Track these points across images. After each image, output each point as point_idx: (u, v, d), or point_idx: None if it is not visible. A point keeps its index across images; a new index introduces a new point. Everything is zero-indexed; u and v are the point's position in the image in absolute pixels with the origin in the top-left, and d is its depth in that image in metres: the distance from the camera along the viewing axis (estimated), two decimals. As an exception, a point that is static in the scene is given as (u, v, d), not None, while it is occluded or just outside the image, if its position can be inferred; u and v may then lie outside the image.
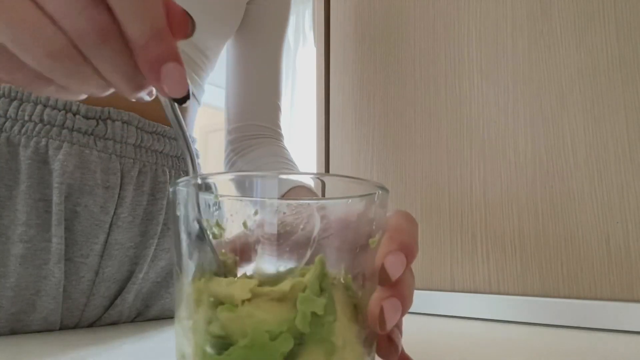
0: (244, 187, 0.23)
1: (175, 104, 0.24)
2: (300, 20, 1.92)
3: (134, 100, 0.25)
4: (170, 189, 0.23)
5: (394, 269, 0.23)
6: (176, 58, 0.22)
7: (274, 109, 0.68)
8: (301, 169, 0.73)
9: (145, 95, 0.24)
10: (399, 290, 0.23)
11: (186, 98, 0.23)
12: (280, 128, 0.69)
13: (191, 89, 0.24)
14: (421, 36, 0.74)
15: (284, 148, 0.67)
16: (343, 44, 0.87)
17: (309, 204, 0.24)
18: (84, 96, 0.24)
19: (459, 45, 0.70)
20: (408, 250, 0.23)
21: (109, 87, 0.24)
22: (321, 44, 0.90)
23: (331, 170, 0.85)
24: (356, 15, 0.85)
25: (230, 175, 0.23)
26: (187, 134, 0.25)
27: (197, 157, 0.65)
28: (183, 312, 0.22)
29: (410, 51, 0.75)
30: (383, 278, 0.23)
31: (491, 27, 0.67)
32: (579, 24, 0.59)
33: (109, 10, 0.21)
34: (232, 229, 0.22)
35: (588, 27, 0.58)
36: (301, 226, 0.22)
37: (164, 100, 0.24)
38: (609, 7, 0.57)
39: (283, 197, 0.45)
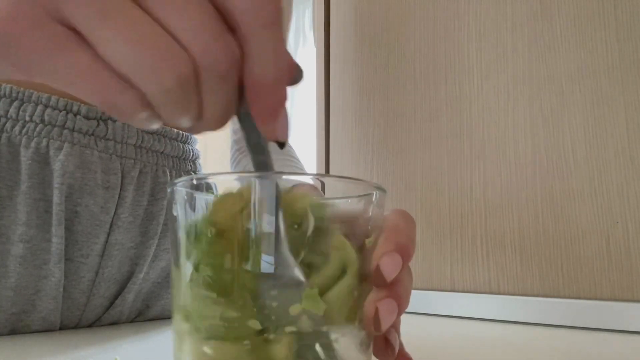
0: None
1: (267, 146, 0.23)
2: (300, 20, 1.92)
3: (195, 134, 0.23)
4: (168, 189, 0.23)
5: (389, 270, 0.22)
6: (286, 103, 0.22)
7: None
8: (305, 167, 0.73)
9: (205, 132, 0.23)
10: (395, 291, 0.23)
11: (286, 142, 0.22)
12: None
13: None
14: (421, 36, 0.74)
15: (289, 145, 0.68)
16: (343, 44, 0.87)
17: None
18: (156, 127, 0.22)
19: (459, 45, 0.70)
20: (404, 251, 0.23)
21: (195, 121, 0.22)
22: (321, 44, 0.90)
23: (331, 171, 0.85)
24: (356, 15, 0.85)
25: (230, 176, 0.23)
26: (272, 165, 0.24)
27: (199, 158, 0.65)
28: (180, 311, 0.22)
29: (410, 51, 0.75)
30: (378, 279, 0.22)
31: (491, 27, 0.67)
32: (579, 24, 0.59)
33: (239, 42, 0.19)
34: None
35: (588, 27, 0.58)
36: (295, 226, 0.22)
37: (254, 142, 0.23)
38: (609, 7, 0.57)
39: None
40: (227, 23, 0.19)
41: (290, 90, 0.23)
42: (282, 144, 0.22)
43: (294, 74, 0.23)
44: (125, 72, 0.18)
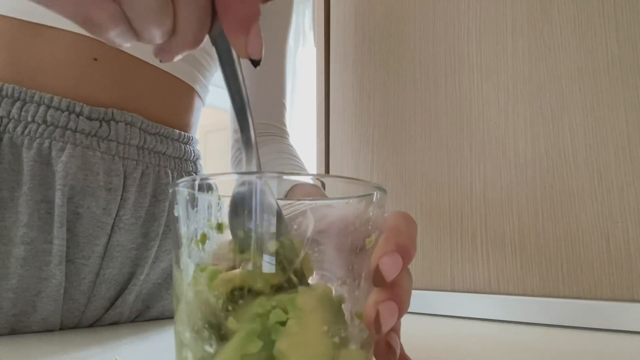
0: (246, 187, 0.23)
1: (240, 70, 0.23)
2: (300, 20, 1.92)
3: (161, 60, 0.23)
4: (170, 190, 0.23)
5: (389, 271, 0.22)
6: (258, 19, 0.21)
7: (279, 107, 0.69)
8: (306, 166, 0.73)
9: (178, 56, 0.23)
10: (396, 293, 0.22)
11: (260, 60, 0.22)
12: (285, 126, 0.70)
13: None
14: (421, 36, 0.74)
15: (290, 145, 0.68)
16: (343, 44, 0.87)
17: (305, 204, 0.24)
18: (128, 44, 0.22)
19: (459, 45, 0.70)
20: (404, 251, 0.23)
21: (172, 34, 0.22)
22: (321, 44, 0.90)
23: (331, 171, 0.85)
24: (356, 15, 0.85)
25: (231, 176, 0.23)
26: (247, 97, 0.24)
27: (200, 159, 0.65)
28: (182, 311, 0.22)
29: (410, 51, 0.75)
30: (378, 279, 0.22)
31: (491, 27, 0.67)
32: (579, 24, 0.59)
33: None
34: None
35: (588, 27, 0.58)
36: (295, 226, 0.22)
37: (225, 59, 0.22)
38: (609, 7, 0.57)
39: (287, 194, 0.45)
40: None
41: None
42: (255, 62, 0.22)
43: None
44: None
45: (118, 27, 0.20)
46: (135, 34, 0.21)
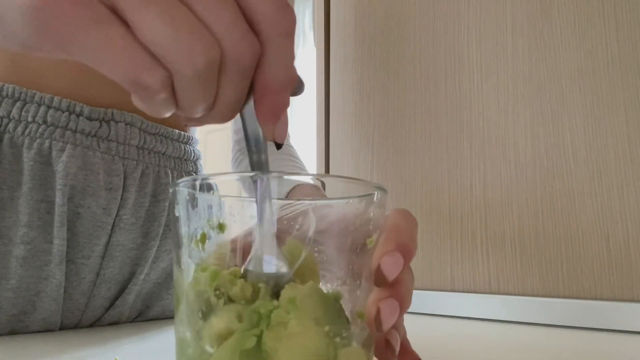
0: (248, 187, 0.23)
1: (265, 145, 0.24)
2: (300, 20, 1.92)
3: (187, 124, 0.24)
4: (170, 190, 0.23)
5: (390, 270, 0.22)
6: (287, 110, 0.23)
7: None
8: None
9: (208, 123, 0.24)
10: (397, 291, 0.22)
11: (283, 144, 0.24)
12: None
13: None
14: (421, 36, 0.74)
15: (290, 146, 0.68)
16: (343, 44, 0.87)
17: (306, 204, 0.24)
18: (166, 115, 0.23)
19: (459, 45, 0.70)
20: (405, 250, 0.23)
21: (206, 112, 0.23)
22: (321, 44, 0.90)
23: (331, 171, 0.85)
24: (356, 15, 0.85)
25: (231, 176, 0.23)
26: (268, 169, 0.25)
27: (200, 159, 0.65)
28: (183, 311, 0.22)
29: (410, 51, 0.75)
30: (379, 279, 0.22)
31: (491, 27, 0.67)
32: (579, 24, 0.59)
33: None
34: (234, 229, 0.22)
35: (588, 27, 0.58)
36: (297, 226, 0.22)
37: (253, 138, 0.24)
38: (609, 7, 0.57)
39: (287, 195, 0.45)
40: (250, 26, 0.21)
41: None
42: (279, 145, 0.24)
43: (296, 85, 0.25)
44: (160, 50, 0.19)
45: (164, 94, 0.21)
46: (177, 104, 0.22)
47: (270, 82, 0.22)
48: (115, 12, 0.19)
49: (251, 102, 0.23)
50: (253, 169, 0.24)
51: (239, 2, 0.20)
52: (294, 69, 0.23)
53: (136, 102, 0.21)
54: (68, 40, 0.19)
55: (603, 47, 0.57)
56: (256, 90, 0.22)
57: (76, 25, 0.19)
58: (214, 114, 0.23)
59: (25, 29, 0.20)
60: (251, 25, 0.21)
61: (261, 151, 0.24)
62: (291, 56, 0.22)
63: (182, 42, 0.19)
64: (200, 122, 0.24)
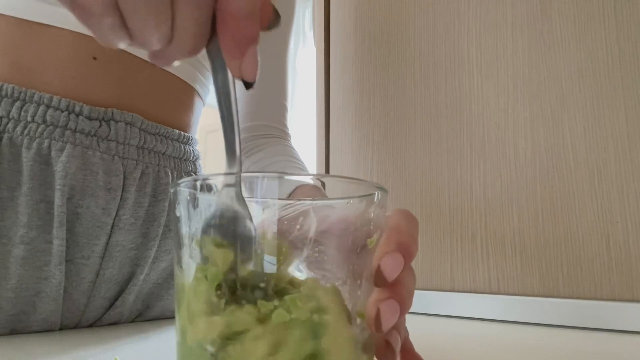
0: (248, 188, 0.23)
1: (233, 88, 0.23)
2: (300, 20, 1.92)
3: (159, 64, 0.23)
4: (171, 190, 0.23)
5: (390, 270, 0.22)
6: (257, 43, 0.21)
7: (281, 109, 0.69)
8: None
9: (176, 62, 0.23)
10: (397, 292, 0.22)
11: (254, 83, 0.22)
12: (287, 128, 0.70)
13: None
14: (421, 36, 0.74)
15: (291, 147, 0.68)
16: (343, 44, 0.87)
17: (307, 204, 0.24)
18: (122, 46, 0.21)
19: (459, 45, 0.70)
20: (406, 251, 0.23)
21: (168, 41, 0.21)
22: (321, 44, 0.90)
23: (331, 170, 0.85)
24: (356, 15, 0.85)
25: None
26: (237, 113, 0.23)
27: (199, 159, 0.65)
28: (183, 310, 0.22)
29: (410, 51, 0.75)
30: (380, 279, 0.22)
31: (491, 27, 0.67)
32: (579, 24, 0.59)
33: None
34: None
35: (588, 27, 0.58)
36: (298, 226, 0.22)
37: (220, 78, 0.22)
38: (609, 7, 0.57)
39: (289, 196, 0.45)
40: None
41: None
42: (248, 85, 0.22)
43: (270, 18, 0.23)
44: None
45: (109, 18, 0.19)
46: (129, 34, 0.20)
47: (231, 10, 0.20)
48: None
49: (213, 41, 0.21)
50: (222, 119, 0.22)
51: None
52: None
53: (85, 23, 0.20)
54: None
55: (603, 47, 0.57)
56: (218, 20, 0.21)
57: None
58: (176, 46, 0.21)
59: None
60: None
61: (229, 95, 0.22)
62: None
63: None
64: (165, 58, 0.22)
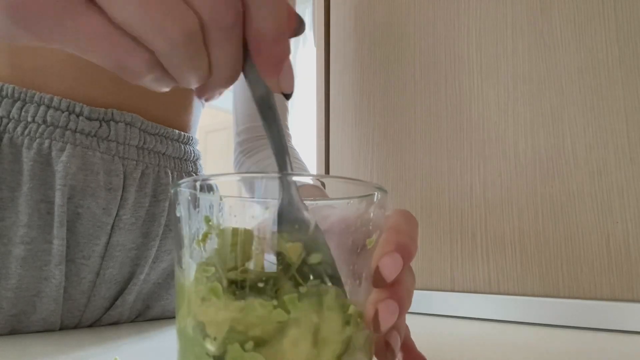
0: (249, 188, 0.23)
1: (274, 100, 0.24)
2: (300, 20, 1.91)
3: (203, 99, 0.24)
4: (172, 190, 0.23)
5: (389, 271, 0.22)
6: (289, 56, 0.23)
7: (282, 110, 0.69)
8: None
9: (217, 95, 0.24)
10: (396, 292, 0.22)
11: (292, 93, 0.23)
12: (288, 128, 0.70)
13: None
14: (421, 36, 0.74)
15: (292, 148, 0.68)
16: (343, 44, 0.87)
17: (308, 204, 0.24)
18: (167, 89, 0.23)
19: (459, 45, 0.70)
20: (405, 251, 0.23)
21: (205, 80, 0.23)
22: (321, 44, 0.90)
23: (331, 170, 0.85)
24: (356, 15, 0.85)
25: (233, 177, 0.23)
26: (283, 131, 0.24)
27: (199, 159, 0.65)
28: (184, 310, 0.22)
29: (410, 51, 0.75)
30: (378, 280, 0.22)
31: (491, 27, 0.67)
32: (579, 24, 0.59)
33: None
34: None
35: (588, 27, 0.58)
36: (297, 227, 0.22)
37: (260, 95, 0.23)
38: (609, 7, 0.57)
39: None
40: None
41: (293, 42, 0.23)
42: (288, 96, 0.23)
43: (295, 26, 0.24)
44: (135, 31, 0.19)
45: (153, 73, 0.21)
46: (173, 79, 0.22)
47: (261, 32, 0.21)
48: None
49: (247, 64, 0.22)
50: (269, 137, 0.23)
51: None
52: (283, 13, 0.21)
53: (131, 81, 0.21)
54: (47, 33, 0.19)
55: (603, 47, 0.57)
56: (250, 44, 0.21)
57: (52, 18, 0.19)
58: (215, 79, 0.22)
59: (4, 22, 0.20)
60: None
61: (273, 108, 0.23)
62: (280, 3, 0.21)
63: (151, 18, 0.19)
64: (207, 91, 0.23)
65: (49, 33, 0.19)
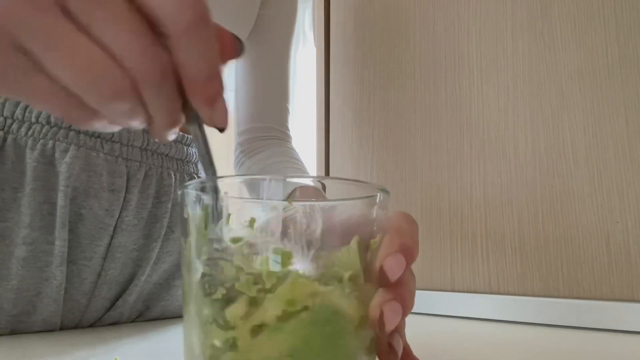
0: (250, 189, 0.23)
1: (204, 132, 0.25)
2: (300, 20, 1.92)
3: (157, 140, 0.25)
4: (179, 192, 0.23)
5: (393, 271, 0.23)
6: (222, 94, 0.24)
7: (283, 111, 0.70)
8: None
9: (171, 136, 0.25)
10: (399, 293, 0.23)
11: (225, 128, 0.25)
12: (288, 130, 0.71)
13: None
14: (421, 36, 0.74)
15: (292, 149, 0.69)
16: (343, 44, 0.87)
17: (313, 205, 0.24)
18: (116, 130, 0.25)
19: (459, 45, 0.70)
20: (407, 252, 0.23)
21: (149, 124, 0.24)
22: (321, 44, 0.90)
23: (331, 170, 0.85)
24: (356, 15, 0.85)
25: (235, 178, 0.23)
26: (214, 162, 0.26)
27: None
28: (191, 308, 0.22)
29: (410, 51, 0.75)
30: (382, 280, 0.23)
31: (491, 27, 0.67)
32: (579, 24, 0.59)
33: (167, 49, 0.21)
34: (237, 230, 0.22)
35: (588, 27, 0.58)
36: (304, 227, 0.22)
37: (194, 129, 0.25)
38: (609, 7, 0.57)
39: (288, 197, 0.45)
40: (157, 30, 0.21)
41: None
42: (221, 130, 0.25)
43: (235, 49, 0.25)
44: (74, 92, 0.21)
45: (100, 122, 0.23)
46: (117, 125, 0.24)
47: (193, 77, 0.22)
48: (29, 56, 0.20)
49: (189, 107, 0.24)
50: (202, 160, 0.24)
51: (140, 9, 0.20)
52: (214, 50, 0.22)
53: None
54: (2, 88, 0.21)
55: (603, 47, 0.57)
56: (185, 86, 0.23)
57: (4, 77, 0.21)
58: (158, 126, 0.24)
59: None
60: (158, 29, 0.21)
61: (205, 139, 0.24)
62: (207, 44, 0.22)
63: (85, 80, 0.20)
64: (156, 133, 0.24)
65: (2, 88, 0.21)
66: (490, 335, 0.49)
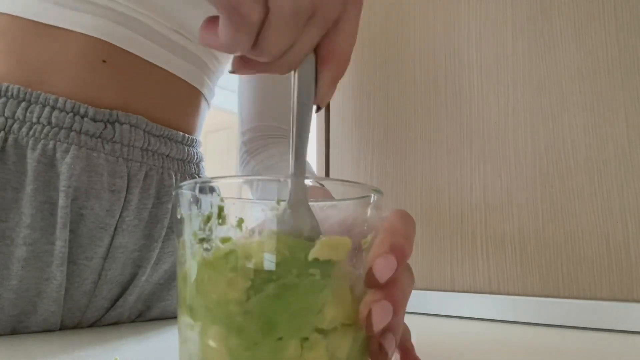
0: (252, 190, 0.23)
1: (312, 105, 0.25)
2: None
3: (237, 71, 0.25)
4: (174, 192, 0.24)
5: (382, 272, 0.22)
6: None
7: (287, 110, 0.69)
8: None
9: (258, 70, 0.25)
10: (391, 293, 0.22)
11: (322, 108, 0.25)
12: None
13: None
14: (421, 36, 0.74)
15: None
16: (343, 44, 0.87)
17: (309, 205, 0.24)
18: (237, 53, 0.24)
19: (459, 45, 0.70)
20: (399, 252, 0.23)
21: (277, 57, 0.24)
22: (321, 44, 0.90)
23: (331, 170, 0.85)
24: (356, 16, 0.85)
25: (235, 179, 0.24)
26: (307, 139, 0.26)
27: (202, 161, 0.65)
28: (186, 309, 0.22)
29: (410, 51, 0.75)
30: (372, 281, 0.22)
31: (491, 27, 0.67)
32: (579, 24, 0.59)
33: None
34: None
35: (588, 27, 0.58)
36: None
37: (304, 96, 0.24)
38: (609, 7, 0.57)
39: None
40: None
41: None
42: (318, 108, 0.25)
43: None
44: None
45: (254, 28, 0.22)
46: (254, 44, 0.23)
47: (338, 46, 0.23)
48: None
49: (308, 63, 0.24)
50: (293, 139, 0.24)
51: None
52: (355, 40, 0.24)
53: (221, 31, 0.22)
54: None
55: (603, 47, 0.57)
56: (322, 54, 0.23)
57: None
58: (282, 62, 0.24)
59: None
60: None
61: (309, 114, 0.24)
62: (357, 29, 0.23)
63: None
64: (262, 69, 0.24)
65: None
66: (490, 335, 0.49)
